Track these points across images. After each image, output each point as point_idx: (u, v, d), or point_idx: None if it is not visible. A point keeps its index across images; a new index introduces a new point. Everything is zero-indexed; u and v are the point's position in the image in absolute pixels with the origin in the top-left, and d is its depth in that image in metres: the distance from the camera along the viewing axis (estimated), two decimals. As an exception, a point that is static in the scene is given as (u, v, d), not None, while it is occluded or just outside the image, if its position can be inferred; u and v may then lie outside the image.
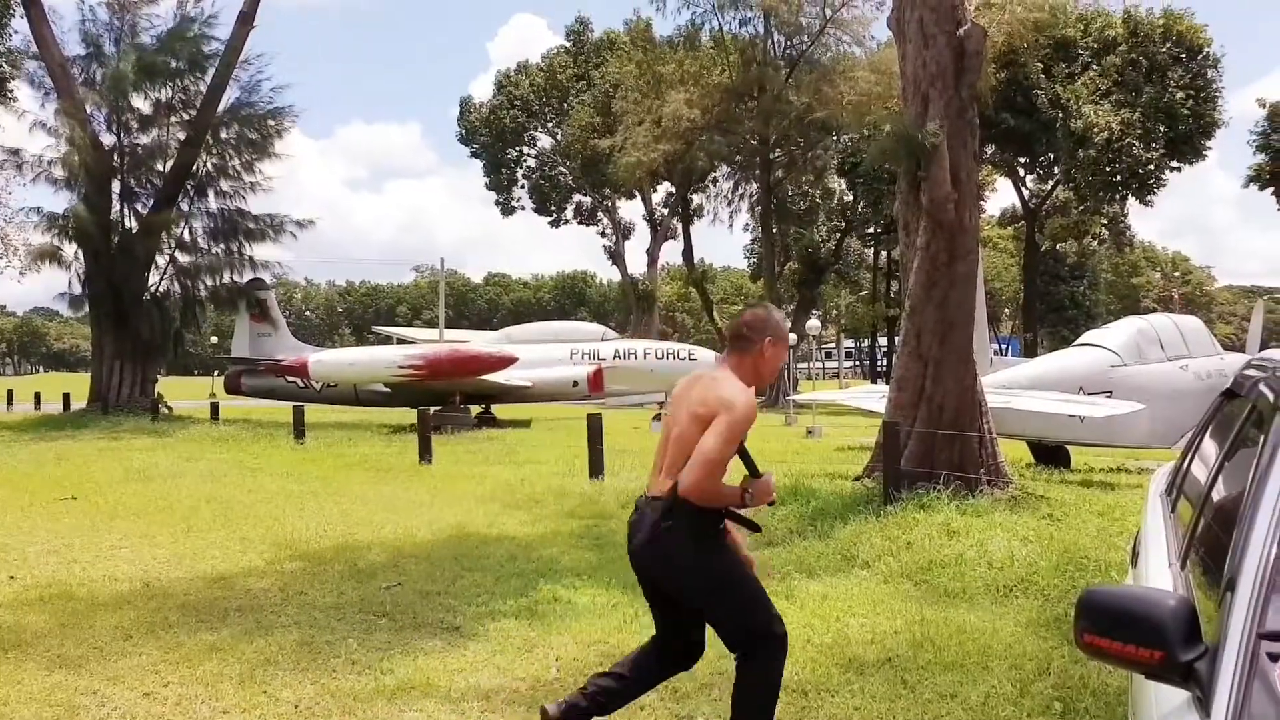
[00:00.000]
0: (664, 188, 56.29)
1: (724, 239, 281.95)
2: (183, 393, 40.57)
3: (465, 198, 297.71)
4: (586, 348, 28.00)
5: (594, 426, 13.87)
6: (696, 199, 55.50)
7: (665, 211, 59.96)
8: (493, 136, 61.70)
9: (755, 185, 47.89)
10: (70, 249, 29.20)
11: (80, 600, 7.32)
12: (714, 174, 52.00)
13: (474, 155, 64.21)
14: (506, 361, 25.60)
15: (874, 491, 10.39)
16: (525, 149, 63.71)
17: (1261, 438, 2.35)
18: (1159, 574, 2.85)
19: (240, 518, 11.11)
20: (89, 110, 29.22)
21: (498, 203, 64.80)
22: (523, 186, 64.45)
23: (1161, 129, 40.36)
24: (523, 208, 65.26)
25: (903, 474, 10.16)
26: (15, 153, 29.30)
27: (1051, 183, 50.99)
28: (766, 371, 4.07)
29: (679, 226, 56.35)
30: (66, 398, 32.28)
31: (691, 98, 40.71)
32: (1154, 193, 42.82)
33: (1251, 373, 3.20)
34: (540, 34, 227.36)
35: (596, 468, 13.60)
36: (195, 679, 5.48)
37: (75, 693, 5.26)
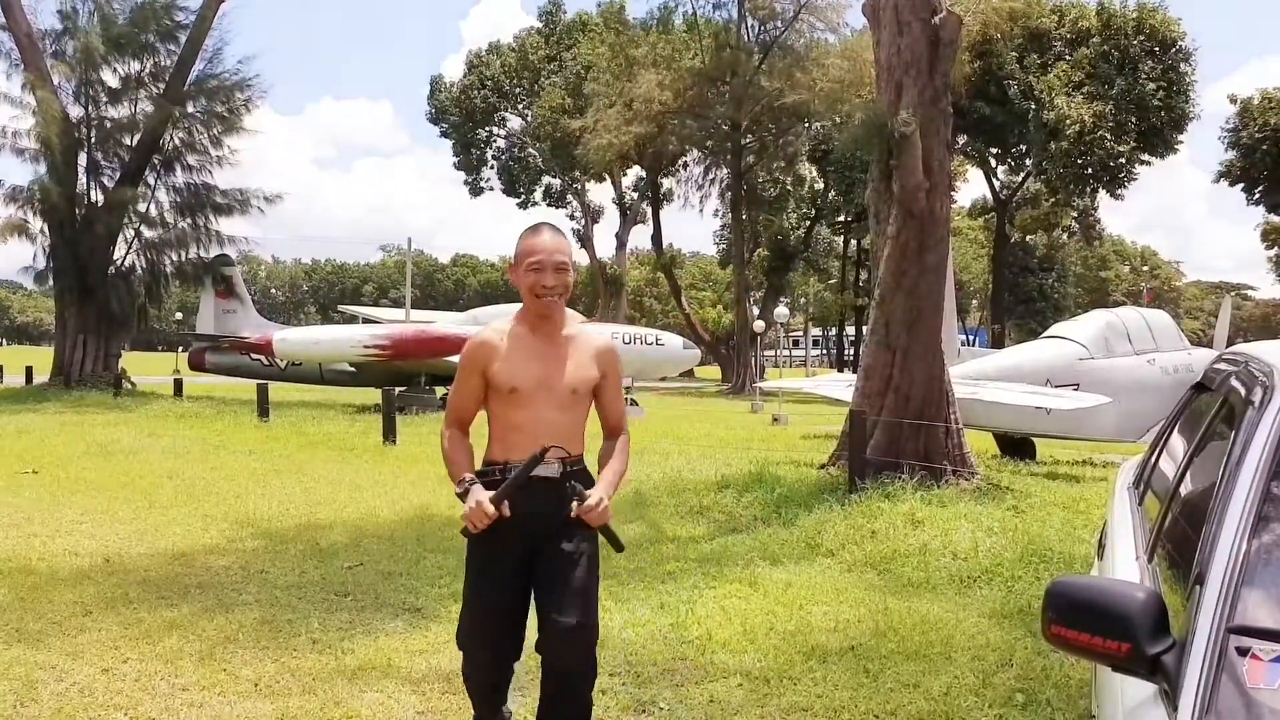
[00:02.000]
0: (634, 171, 56.22)
1: (693, 225, 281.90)
2: (146, 368, 40.21)
3: (434, 178, 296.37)
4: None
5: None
6: (666, 183, 55.49)
7: (635, 195, 59.86)
8: (463, 116, 61.29)
9: (726, 170, 47.91)
10: (36, 222, 28.91)
11: (40, 575, 7.24)
12: (684, 158, 51.96)
13: (443, 135, 63.77)
14: (473, 343, 25.45)
15: (839, 480, 10.42)
16: (495, 129, 63.36)
17: (1232, 432, 2.35)
18: (1126, 567, 2.86)
19: (202, 495, 11.01)
20: (57, 82, 28.83)
21: (467, 183, 64.44)
22: (492, 167, 64.12)
23: (1133, 121, 40.57)
24: (492, 189, 64.99)
25: (868, 463, 10.19)
26: None
27: (1023, 174, 51.28)
28: (524, 297, 3.52)
29: (648, 211, 56.31)
30: (29, 371, 31.91)
31: (663, 81, 40.67)
32: (1125, 186, 43.09)
33: (1222, 367, 3.21)
34: (513, 14, 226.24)
35: (562, 451, 13.52)
36: (155, 655, 5.42)
37: (34, 667, 5.20)
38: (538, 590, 3.55)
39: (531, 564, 3.54)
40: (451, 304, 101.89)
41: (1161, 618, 1.84)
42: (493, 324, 3.64)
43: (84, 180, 29.52)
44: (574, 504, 3.36)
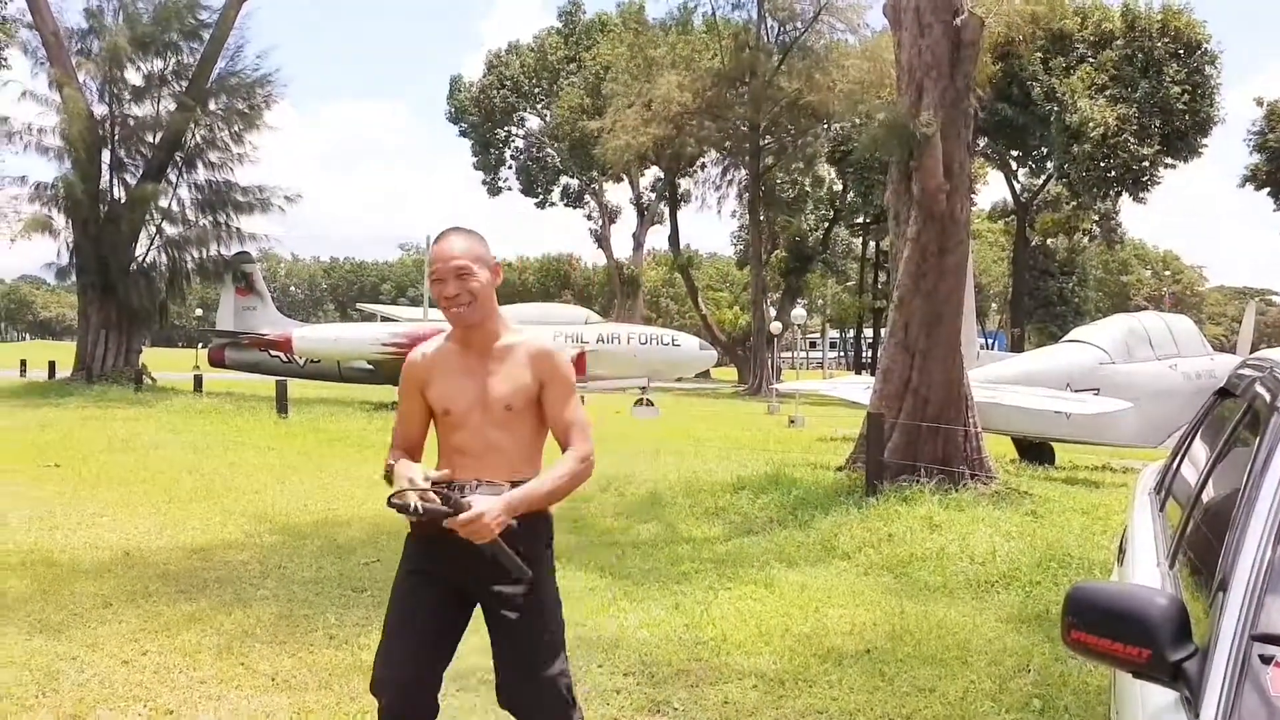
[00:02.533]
0: (652, 172, 56.18)
1: (711, 225, 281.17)
2: (166, 364, 40.44)
3: (453, 177, 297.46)
4: (569, 331, 27.92)
5: (577, 409, 13.76)
6: (684, 184, 55.39)
7: (652, 196, 59.84)
8: (481, 116, 61.37)
9: (744, 171, 47.82)
10: (59, 219, 29.15)
11: (61, 567, 7.32)
12: (703, 159, 51.87)
13: (462, 135, 63.84)
14: (490, 342, 25.48)
15: (856, 483, 10.38)
16: (514, 129, 63.45)
17: (1256, 439, 2.34)
18: (1146, 573, 2.84)
19: (221, 490, 11.08)
20: (82, 80, 29.05)
21: (485, 183, 64.55)
22: (510, 167, 64.21)
23: (1157, 125, 40.28)
24: (510, 189, 65.05)
25: (885, 466, 10.15)
26: (3, 120, 29.13)
27: (1044, 177, 50.96)
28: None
29: (666, 211, 56.27)
30: (52, 366, 32.13)
31: (682, 81, 40.58)
32: (1147, 190, 42.70)
33: (1247, 372, 3.19)
34: (532, 13, 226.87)
35: (578, 450, 13.49)
36: (174, 648, 5.46)
37: (55, 658, 5.26)
38: (492, 641, 3.16)
39: (468, 604, 3.20)
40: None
41: (1183, 624, 1.83)
42: (430, 340, 3.34)
43: (107, 177, 29.73)
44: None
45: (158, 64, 30.09)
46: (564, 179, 63.11)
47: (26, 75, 65.13)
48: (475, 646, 3.42)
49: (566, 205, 64.19)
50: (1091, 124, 39.32)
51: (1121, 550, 3.85)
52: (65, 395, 24.61)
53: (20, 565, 7.31)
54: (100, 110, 29.56)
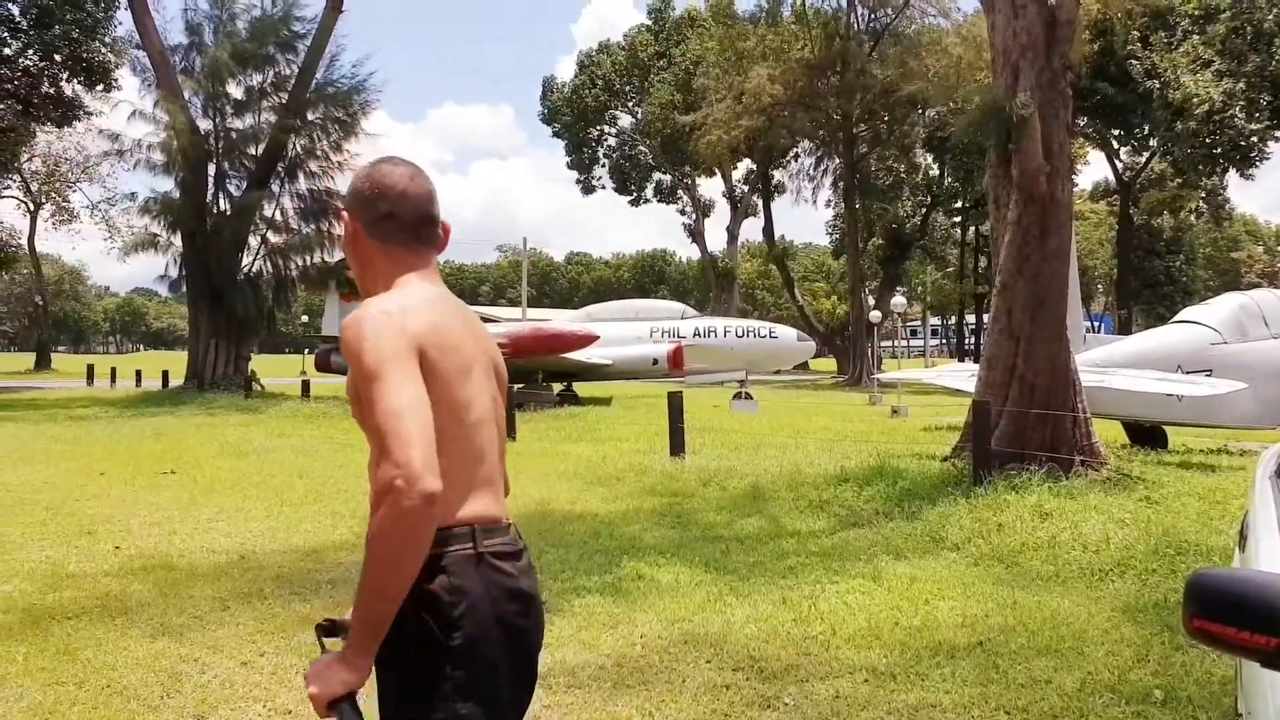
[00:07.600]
0: (744, 164, 56.01)
1: (805, 215, 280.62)
2: (274, 370, 41.51)
3: (549, 177, 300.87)
4: (666, 326, 27.99)
5: (675, 404, 13.78)
6: (777, 175, 55.19)
7: (745, 188, 59.69)
8: (574, 116, 62.02)
9: (838, 160, 47.37)
10: (166, 234, 30.28)
11: (180, 570, 7.54)
12: (796, 150, 51.55)
13: (556, 135, 64.75)
14: (588, 340, 25.70)
15: (963, 472, 10.20)
16: (606, 128, 63.96)
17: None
18: (1272, 558, 2.74)
19: (331, 493, 11.31)
20: (186, 97, 30.07)
21: (579, 182, 65.22)
22: (603, 165, 64.74)
23: (1266, 99, 38.73)
24: (603, 187, 65.62)
25: (993, 454, 9.96)
26: (115, 138, 30.36)
27: (1147, 155, 49.52)
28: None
29: (759, 203, 56.13)
30: (165, 375, 33.26)
31: (773, 73, 40.36)
32: (1256, 165, 41.18)
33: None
34: (623, 12, 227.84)
35: (677, 446, 13.53)
36: (290, 649, 5.58)
37: (178, 660, 5.42)
38: None
39: None
40: (566, 302, 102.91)
41: (1315, 612, 1.76)
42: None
43: (212, 190, 30.72)
44: None
45: (257, 78, 31.07)
46: (656, 175, 63.43)
47: (135, 94, 67.80)
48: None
49: (660, 201, 64.52)
50: (1196, 100, 38.02)
51: (1243, 536, 3.72)
52: (178, 403, 25.47)
53: (142, 569, 7.55)
54: (204, 125, 30.64)
